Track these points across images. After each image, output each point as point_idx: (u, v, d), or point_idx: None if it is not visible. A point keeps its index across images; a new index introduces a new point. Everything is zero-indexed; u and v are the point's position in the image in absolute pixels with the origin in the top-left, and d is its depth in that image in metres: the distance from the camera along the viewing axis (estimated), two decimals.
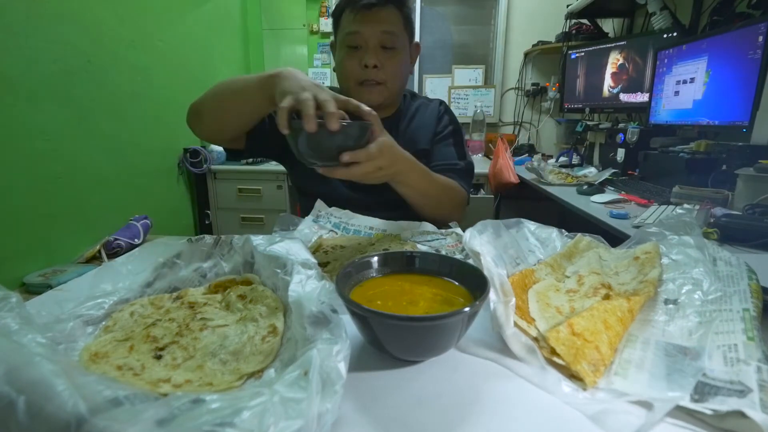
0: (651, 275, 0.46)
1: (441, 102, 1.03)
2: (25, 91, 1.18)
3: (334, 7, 0.90)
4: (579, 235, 0.60)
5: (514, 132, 2.85)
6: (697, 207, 1.01)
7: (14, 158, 1.15)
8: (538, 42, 2.59)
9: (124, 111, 1.59)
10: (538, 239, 0.60)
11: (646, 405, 0.32)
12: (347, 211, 0.77)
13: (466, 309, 0.34)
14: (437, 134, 0.98)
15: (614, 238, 0.61)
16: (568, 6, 2.29)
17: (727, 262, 0.47)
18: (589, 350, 0.36)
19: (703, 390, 0.32)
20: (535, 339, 0.39)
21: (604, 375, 0.35)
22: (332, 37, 0.95)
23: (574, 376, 0.35)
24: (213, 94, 0.71)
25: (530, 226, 0.60)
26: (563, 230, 0.62)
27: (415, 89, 2.78)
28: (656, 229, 0.57)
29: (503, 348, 0.39)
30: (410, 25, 0.91)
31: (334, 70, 0.93)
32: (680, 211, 0.97)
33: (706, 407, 0.30)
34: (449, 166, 0.91)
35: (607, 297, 0.44)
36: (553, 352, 0.37)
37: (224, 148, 0.86)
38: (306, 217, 0.75)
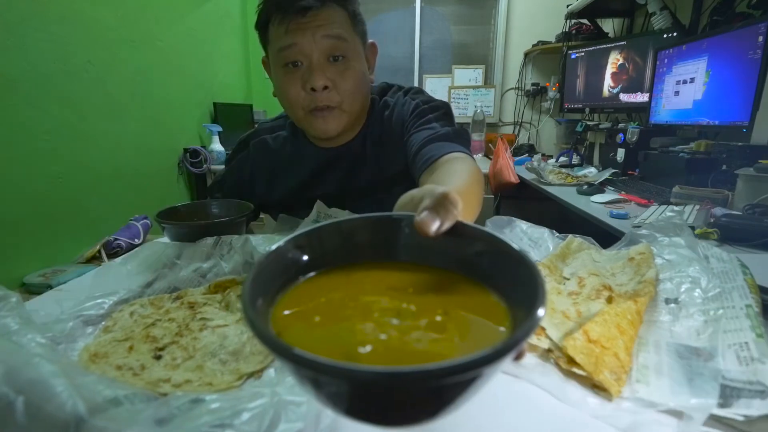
0: (648, 275, 0.46)
1: (407, 91, 0.81)
2: (25, 91, 1.18)
3: (257, 16, 0.70)
4: (570, 236, 0.60)
5: (514, 132, 2.85)
6: (697, 207, 1.01)
7: (14, 158, 1.15)
8: (538, 42, 2.59)
9: (124, 111, 1.58)
10: (531, 239, 0.60)
11: (675, 413, 0.31)
12: (347, 212, 0.77)
13: (487, 353, 0.16)
14: (408, 122, 0.75)
15: (614, 239, 0.61)
16: (568, 6, 2.29)
17: (719, 258, 0.47)
18: (609, 358, 0.35)
19: (724, 393, 0.31)
20: (549, 350, 0.38)
21: (626, 383, 0.34)
22: (263, 53, 0.75)
23: (596, 386, 0.34)
24: None
25: (522, 225, 0.60)
26: (554, 231, 0.62)
27: None
28: (646, 231, 0.57)
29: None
30: (360, 24, 0.71)
31: (273, 95, 0.75)
32: (670, 213, 0.97)
33: (736, 413, 0.30)
34: (431, 136, 0.68)
35: (609, 299, 0.44)
36: (571, 361, 0.36)
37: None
38: (306, 218, 0.75)
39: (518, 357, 0.22)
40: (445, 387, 0.17)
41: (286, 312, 0.23)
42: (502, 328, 0.22)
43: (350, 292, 0.25)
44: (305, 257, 0.26)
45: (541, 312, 0.19)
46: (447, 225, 0.25)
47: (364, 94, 0.74)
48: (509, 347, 0.17)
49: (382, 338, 0.21)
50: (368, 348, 0.20)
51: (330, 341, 0.21)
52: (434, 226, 0.25)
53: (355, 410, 0.19)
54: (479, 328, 0.22)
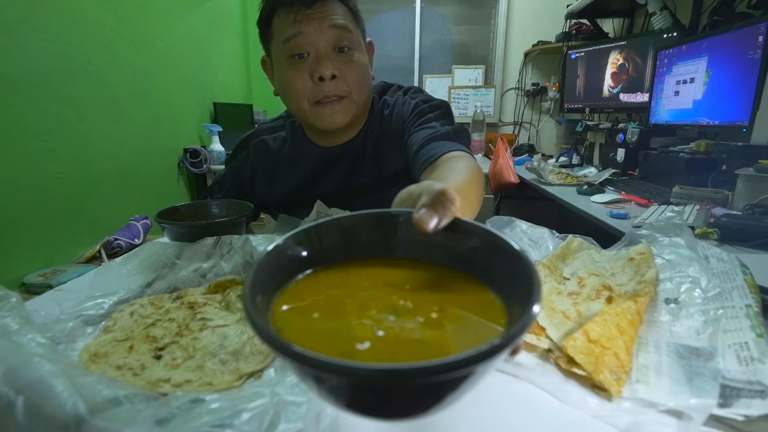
0: (648, 275, 0.46)
1: (406, 90, 0.82)
2: (25, 91, 1.18)
3: (259, 13, 0.70)
4: (570, 236, 0.60)
5: (514, 132, 2.85)
6: (697, 207, 1.01)
7: (14, 158, 1.15)
8: (538, 42, 2.59)
9: (124, 111, 1.58)
10: (531, 239, 0.60)
11: (675, 413, 0.31)
12: (347, 212, 0.77)
13: (482, 350, 0.16)
14: (408, 122, 0.76)
15: (614, 239, 0.61)
16: (568, 6, 2.29)
17: (719, 258, 0.47)
18: (609, 358, 0.35)
19: (724, 393, 0.32)
20: (549, 351, 0.38)
21: (626, 383, 0.34)
22: (263, 53, 0.76)
23: (596, 386, 0.34)
24: None
25: (522, 225, 0.60)
26: (554, 231, 0.62)
27: None
28: (646, 231, 0.57)
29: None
30: (361, 21, 0.73)
31: (275, 95, 0.75)
32: (670, 213, 0.97)
33: (736, 413, 0.30)
34: (431, 135, 0.68)
35: (609, 299, 0.44)
36: (571, 361, 0.36)
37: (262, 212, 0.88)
38: (306, 218, 0.75)
39: (513, 352, 0.22)
40: (441, 383, 0.17)
41: (286, 309, 0.23)
42: (497, 326, 0.22)
43: (348, 288, 0.25)
44: (304, 254, 0.27)
45: (536, 309, 0.19)
46: (445, 221, 0.25)
47: (368, 87, 0.75)
48: (504, 344, 0.17)
49: (380, 335, 0.21)
50: (366, 345, 0.20)
51: (328, 337, 0.21)
52: (432, 223, 0.25)
53: (354, 405, 0.19)
54: (475, 325, 0.22)
